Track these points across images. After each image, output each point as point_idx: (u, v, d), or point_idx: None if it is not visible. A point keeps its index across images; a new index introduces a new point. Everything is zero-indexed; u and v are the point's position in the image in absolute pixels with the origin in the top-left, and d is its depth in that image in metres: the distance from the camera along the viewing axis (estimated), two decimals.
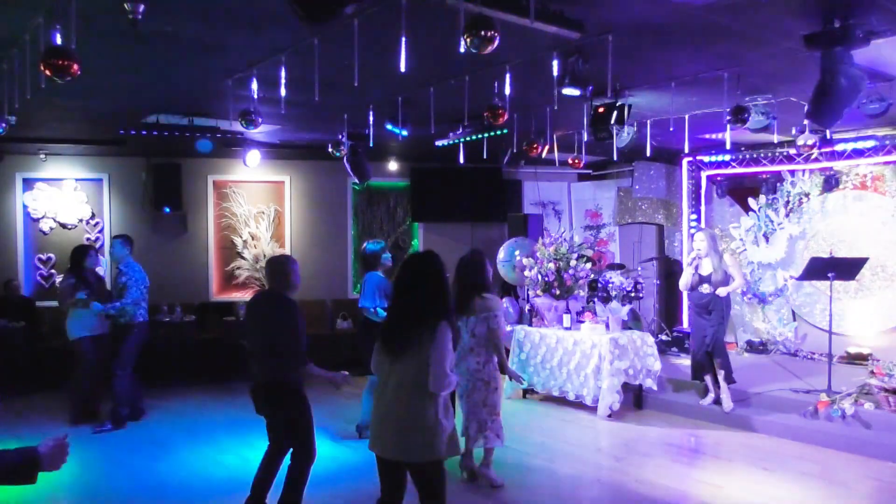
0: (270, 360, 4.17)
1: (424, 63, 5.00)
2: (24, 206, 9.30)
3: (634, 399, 7.40)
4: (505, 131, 6.98)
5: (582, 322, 7.38)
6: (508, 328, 8.17)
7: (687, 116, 6.85)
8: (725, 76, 5.40)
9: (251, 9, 4.13)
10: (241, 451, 5.92)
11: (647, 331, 8.26)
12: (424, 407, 3.24)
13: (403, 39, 3.88)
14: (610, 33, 4.52)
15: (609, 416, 6.88)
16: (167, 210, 9.53)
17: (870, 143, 8.19)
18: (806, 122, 6.97)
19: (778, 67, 5.39)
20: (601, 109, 5.93)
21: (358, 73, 4.60)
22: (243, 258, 10.06)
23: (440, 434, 3.26)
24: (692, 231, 9.45)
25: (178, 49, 4.95)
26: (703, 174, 9.97)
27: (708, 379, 6.89)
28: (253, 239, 10.10)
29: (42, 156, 9.16)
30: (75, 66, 3.79)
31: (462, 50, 3.67)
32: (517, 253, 8.44)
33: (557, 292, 7.63)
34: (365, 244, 6.36)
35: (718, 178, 9.89)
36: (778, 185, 9.34)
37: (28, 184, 9.33)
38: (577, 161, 8.83)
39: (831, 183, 8.82)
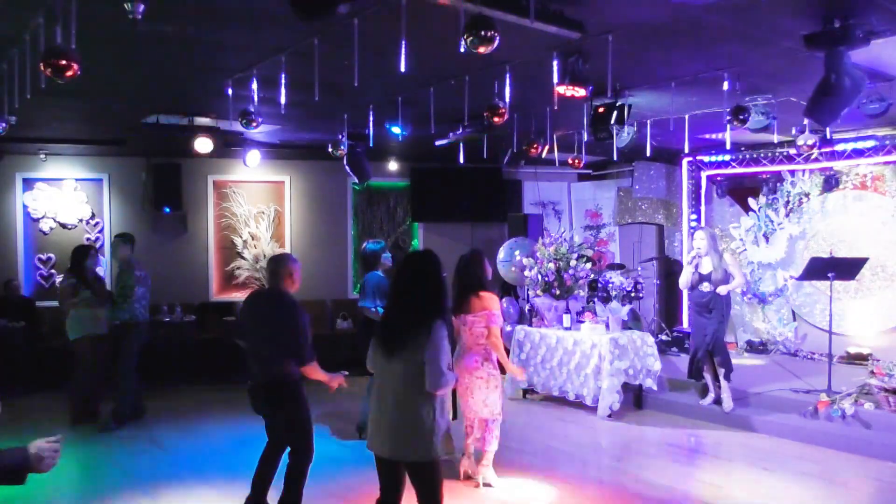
0: (273, 359, 4.16)
1: (424, 63, 5.00)
2: (24, 206, 9.30)
3: (634, 399, 7.40)
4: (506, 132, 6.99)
5: (582, 322, 7.37)
6: (508, 328, 8.18)
7: (687, 116, 6.85)
8: (725, 76, 5.40)
9: (251, 9, 4.13)
10: (240, 451, 5.91)
11: (647, 331, 8.26)
12: (421, 406, 3.24)
13: (403, 39, 3.88)
14: (610, 33, 4.51)
15: (609, 416, 6.88)
16: (167, 210, 9.54)
17: (870, 143, 8.19)
18: (806, 121, 6.98)
19: (778, 67, 5.39)
20: (601, 109, 5.93)
21: (358, 74, 4.60)
22: (243, 258, 10.06)
23: (436, 433, 3.26)
24: (692, 226, 9.47)
25: (178, 49, 4.95)
26: (703, 174, 9.97)
27: (708, 377, 6.89)
28: (253, 239, 10.10)
29: (42, 156, 9.16)
30: (75, 66, 3.79)
31: (462, 50, 3.67)
32: (517, 253, 8.44)
33: (557, 292, 7.63)
34: (365, 244, 6.37)
35: (718, 178, 9.90)
36: (778, 185, 9.35)
37: (28, 184, 9.33)
38: (577, 161, 8.83)
39: (831, 183, 8.83)
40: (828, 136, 7.46)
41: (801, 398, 6.64)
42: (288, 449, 4.30)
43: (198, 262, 9.86)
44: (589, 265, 7.77)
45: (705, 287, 6.64)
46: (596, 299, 8.59)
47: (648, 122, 7.20)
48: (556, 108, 5.90)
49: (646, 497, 4.98)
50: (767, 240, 9.42)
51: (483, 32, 3.58)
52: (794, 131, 7.65)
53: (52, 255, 9.36)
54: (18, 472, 2.13)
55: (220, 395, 8.03)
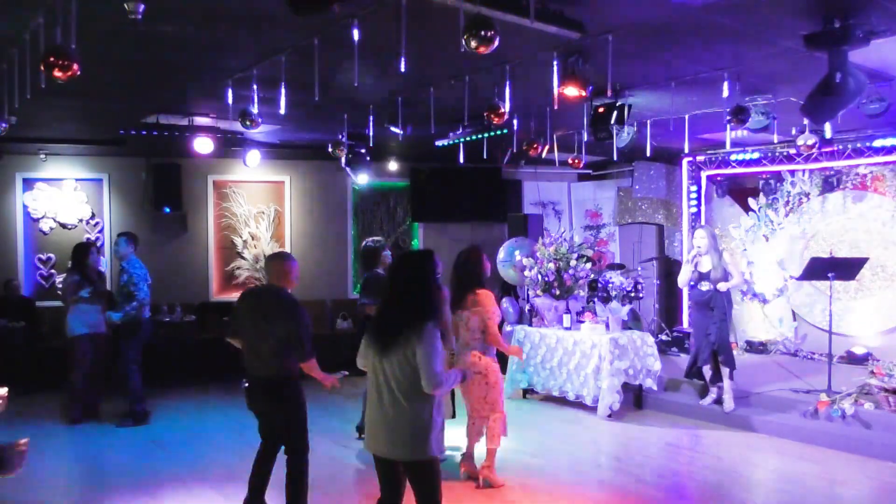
0: (273, 355, 4.15)
1: (424, 63, 5.00)
2: (24, 206, 9.30)
3: (634, 399, 7.40)
4: (504, 131, 6.98)
5: (582, 322, 7.37)
6: (508, 328, 8.18)
7: (687, 116, 6.85)
8: (725, 76, 5.40)
9: (251, 9, 4.13)
10: (240, 451, 5.90)
11: (647, 331, 8.26)
12: (418, 406, 3.23)
13: (403, 39, 3.88)
14: (610, 33, 4.52)
15: (609, 416, 6.88)
16: (167, 210, 9.53)
17: (869, 143, 8.19)
18: (806, 122, 6.97)
19: (778, 67, 5.39)
20: (601, 109, 5.93)
21: (358, 74, 4.60)
22: (243, 258, 10.06)
23: (433, 432, 3.26)
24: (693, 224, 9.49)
25: (178, 49, 4.95)
26: (703, 174, 9.96)
27: (708, 378, 6.87)
28: (253, 239, 10.10)
29: (42, 156, 9.16)
30: (75, 66, 3.79)
31: (462, 50, 3.67)
32: (517, 253, 8.44)
33: (557, 292, 7.63)
34: (364, 242, 6.38)
35: (718, 178, 9.89)
36: (778, 185, 9.35)
37: (28, 184, 9.32)
38: (577, 161, 8.83)
39: (831, 183, 8.83)
40: (828, 136, 7.44)
41: (801, 398, 6.64)
42: (282, 448, 4.29)
43: (198, 262, 9.86)
44: (589, 265, 7.77)
45: (704, 286, 6.64)
46: (596, 299, 8.59)
47: (648, 122, 7.20)
48: (556, 107, 5.90)
49: (646, 497, 4.98)
50: (767, 240, 9.42)
51: (483, 32, 3.57)
52: (794, 131, 7.65)
53: (52, 255, 9.36)
54: None
55: (221, 395, 8.04)
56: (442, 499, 3.36)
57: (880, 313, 8.36)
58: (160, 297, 8.77)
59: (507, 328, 8.21)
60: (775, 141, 8.09)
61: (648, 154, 7.87)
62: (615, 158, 8.01)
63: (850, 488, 5.18)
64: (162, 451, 6.05)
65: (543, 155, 7.55)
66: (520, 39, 4.34)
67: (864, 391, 6.41)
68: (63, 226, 9.43)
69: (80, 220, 9.49)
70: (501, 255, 8.86)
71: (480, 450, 5.23)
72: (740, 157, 9.36)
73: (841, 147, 8.29)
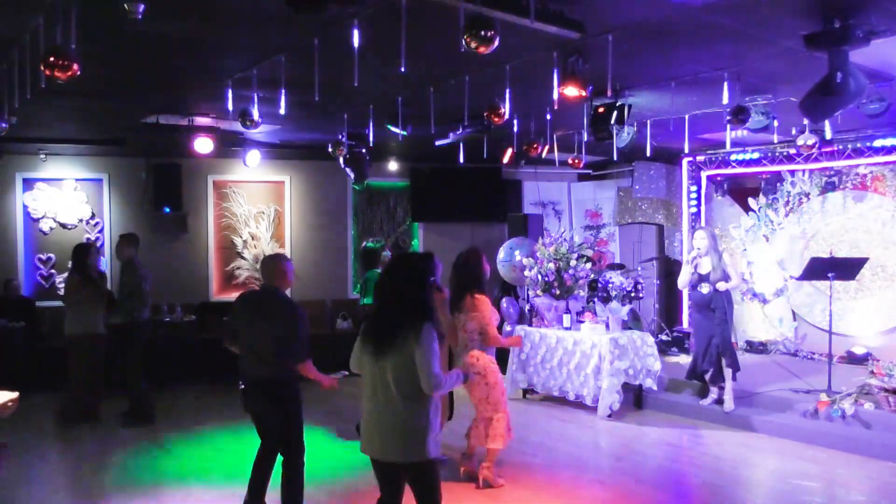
0: (272, 357, 4.15)
1: (424, 63, 5.00)
2: (24, 206, 9.30)
3: (634, 399, 7.40)
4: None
5: (582, 322, 7.38)
6: (508, 328, 8.18)
7: (687, 116, 6.85)
8: (725, 76, 5.40)
9: (251, 9, 4.13)
10: (240, 451, 5.91)
11: (647, 331, 8.26)
12: (416, 408, 3.22)
13: (404, 39, 3.88)
14: (610, 33, 4.51)
15: (609, 416, 6.88)
16: (167, 210, 9.53)
17: (869, 143, 8.19)
18: (806, 122, 6.97)
19: (778, 67, 5.39)
20: (601, 109, 5.93)
21: (358, 73, 4.60)
22: (243, 258, 10.06)
23: (430, 433, 3.25)
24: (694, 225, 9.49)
25: (178, 49, 4.95)
26: (703, 174, 9.96)
27: (708, 376, 6.86)
28: (253, 239, 10.10)
29: (42, 156, 9.16)
30: (75, 66, 3.79)
31: (462, 50, 3.67)
32: (517, 253, 8.44)
33: (557, 292, 7.63)
34: (364, 242, 6.40)
35: (718, 178, 9.89)
36: (778, 185, 9.35)
37: (28, 184, 9.32)
38: (577, 161, 8.83)
39: (832, 183, 8.82)
40: (828, 136, 7.43)
41: (801, 398, 6.64)
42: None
43: (198, 262, 9.86)
44: (589, 265, 7.77)
45: (704, 288, 6.63)
46: (596, 299, 8.59)
47: (648, 122, 7.20)
48: (556, 107, 5.90)
49: (646, 497, 4.98)
50: (767, 240, 9.42)
51: (483, 32, 3.57)
52: (794, 131, 7.64)
53: (52, 255, 9.36)
54: None
55: (221, 396, 8.03)
56: (441, 499, 3.36)
57: (880, 313, 8.36)
58: (160, 297, 8.77)
59: (507, 328, 8.21)
60: (775, 141, 8.09)
61: (648, 154, 7.87)
62: (615, 158, 8.00)
63: (850, 488, 5.18)
64: (162, 451, 6.05)
65: (543, 155, 7.54)
66: (520, 39, 4.34)
67: (864, 391, 6.40)
68: (63, 226, 9.43)
69: (80, 220, 9.49)
70: (501, 255, 8.87)
71: (481, 449, 5.23)
72: (740, 157, 9.36)
73: (841, 147, 8.30)
